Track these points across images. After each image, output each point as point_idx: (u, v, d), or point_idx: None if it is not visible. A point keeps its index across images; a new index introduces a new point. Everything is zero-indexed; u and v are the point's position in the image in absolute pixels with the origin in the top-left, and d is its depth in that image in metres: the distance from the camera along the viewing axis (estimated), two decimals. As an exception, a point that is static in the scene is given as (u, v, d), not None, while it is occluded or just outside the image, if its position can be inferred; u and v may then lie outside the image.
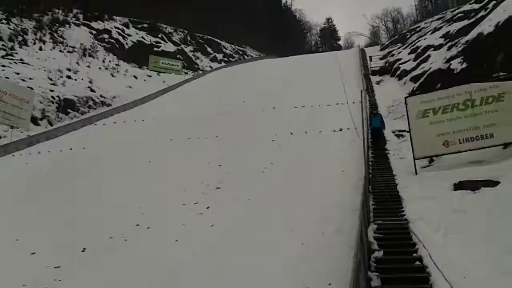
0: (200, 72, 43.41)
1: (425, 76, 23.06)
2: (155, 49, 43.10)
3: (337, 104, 22.01)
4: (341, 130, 18.09)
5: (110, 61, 35.09)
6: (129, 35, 42.21)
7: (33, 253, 9.31)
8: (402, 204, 9.94)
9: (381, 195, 10.74)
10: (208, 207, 11.39)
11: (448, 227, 8.09)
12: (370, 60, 34.44)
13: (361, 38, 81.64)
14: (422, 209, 9.09)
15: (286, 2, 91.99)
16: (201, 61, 48.89)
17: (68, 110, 24.97)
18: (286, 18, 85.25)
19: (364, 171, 11.52)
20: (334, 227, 9.07)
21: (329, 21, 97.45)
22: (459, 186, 9.79)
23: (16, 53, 27.34)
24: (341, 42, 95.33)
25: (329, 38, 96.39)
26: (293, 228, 9.20)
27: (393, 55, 34.17)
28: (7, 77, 23.33)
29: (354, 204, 9.77)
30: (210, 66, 47.38)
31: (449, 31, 27.25)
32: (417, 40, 32.68)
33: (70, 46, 32.96)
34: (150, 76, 36.81)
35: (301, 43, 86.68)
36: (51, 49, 30.98)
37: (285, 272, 7.44)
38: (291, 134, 18.29)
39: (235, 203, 11.51)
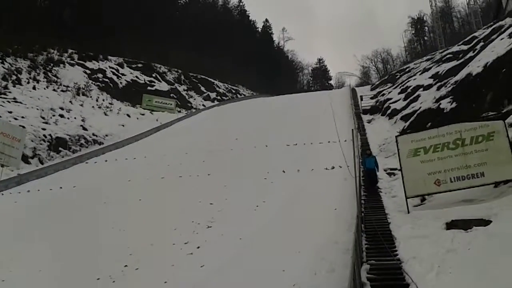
0: (193, 110, 43.72)
1: (415, 115, 23.37)
2: (149, 88, 43.53)
3: (328, 142, 22.14)
4: (333, 168, 18.12)
5: (103, 100, 35.30)
6: (123, 74, 42.68)
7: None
8: (394, 243, 9.83)
9: (373, 234, 10.63)
10: (198, 247, 11.19)
11: (441, 266, 7.98)
12: (361, 99, 34.95)
13: (351, 78, 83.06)
14: (415, 249, 8.99)
15: (278, 43, 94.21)
16: (195, 99, 49.33)
17: (60, 148, 24.85)
18: (279, 58, 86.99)
19: (356, 210, 11.44)
20: (326, 267, 8.91)
21: (321, 61, 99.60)
22: (451, 225, 9.73)
23: (10, 92, 27.44)
24: (332, 82, 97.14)
25: (320, 78, 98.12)
26: (285, 267, 9.04)
27: (383, 94, 34.73)
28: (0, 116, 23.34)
29: (347, 243, 9.66)
30: (203, 105, 47.78)
31: (438, 72, 27.86)
32: (407, 80, 33.33)
33: (64, 85, 33.19)
34: (143, 115, 36.97)
35: (293, 82, 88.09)
36: (44, 88, 31.16)
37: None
38: (284, 172, 18.26)
39: (227, 242, 11.32)
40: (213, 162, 21.16)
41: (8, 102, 26.07)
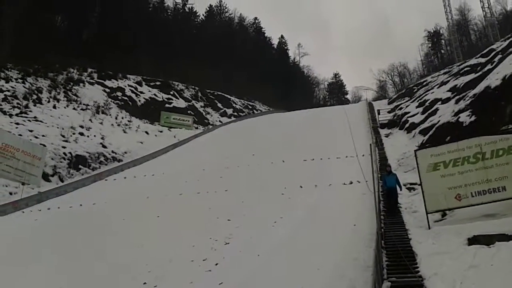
0: (210, 126, 44.05)
1: (434, 129, 23.10)
2: (167, 105, 44.10)
3: (346, 157, 22.01)
4: (351, 183, 17.97)
5: (122, 118, 35.86)
6: (142, 92, 43.37)
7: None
8: (416, 259, 9.66)
9: (394, 251, 10.45)
10: (217, 264, 11.15)
11: (464, 283, 7.82)
12: (378, 113, 34.74)
13: (368, 92, 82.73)
14: (436, 265, 8.82)
15: (294, 58, 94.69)
16: (211, 116, 49.74)
17: (80, 166, 25.23)
18: (295, 73, 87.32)
19: (376, 226, 11.29)
20: (346, 284, 8.79)
21: (337, 76, 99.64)
22: (473, 240, 9.53)
23: (30, 111, 28.09)
24: (348, 96, 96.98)
25: (337, 92, 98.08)
26: (304, 285, 8.94)
27: (401, 108, 34.48)
28: (20, 135, 23.85)
29: (367, 260, 9.53)
30: (220, 121, 48.12)
31: (456, 85, 27.59)
32: (424, 94, 33.08)
33: (83, 104, 33.86)
34: (161, 132, 37.39)
35: (309, 97, 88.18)
36: (64, 107, 31.82)
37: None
38: (301, 187, 18.19)
39: (245, 259, 11.27)
40: (230, 178, 21.20)
41: (29, 121, 26.68)
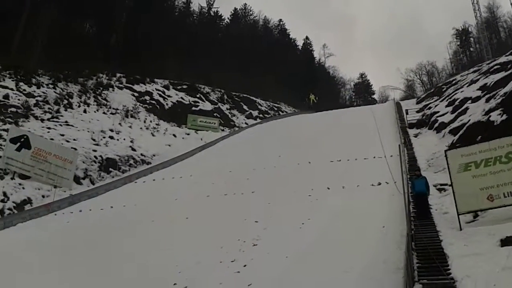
0: (236, 129, 44.24)
1: (464, 128, 22.60)
2: (194, 108, 44.52)
3: (374, 157, 21.77)
4: (379, 184, 17.77)
5: (150, 121, 36.44)
6: (169, 96, 43.94)
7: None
8: (447, 261, 9.49)
9: (425, 253, 10.30)
10: (245, 265, 11.23)
11: (497, 285, 7.64)
12: (407, 113, 34.20)
13: (396, 91, 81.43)
14: (468, 267, 8.65)
15: (319, 59, 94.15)
16: (237, 118, 49.96)
17: (110, 169, 25.79)
18: (320, 74, 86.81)
19: (406, 227, 11.15)
20: (376, 287, 8.72)
21: (363, 76, 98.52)
22: (507, 241, 9.31)
23: (62, 116, 28.86)
24: (375, 96, 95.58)
25: (363, 92, 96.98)
26: (333, 287, 8.91)
27: (430, 108, 33.85)
28: (52, 139, 24.55)
29: (397, 262, 9.44)
30: (245, 123, 48.26)
31: (486, 83, 26.91)
32: (454, 93, 32.37)
33: (113, 108, 34.58)
34: (188, 134, 37.80)
35: (335, 98, 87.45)
36: (95, 111, 32.57)
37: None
38: (328, 188, 18.10)
39: (273, 260, 11.31)
40: (257, 179, 21.27)
41: (60, 125, 27.41)
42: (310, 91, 33.98)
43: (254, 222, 14.91)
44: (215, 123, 42.56)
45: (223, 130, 42.15)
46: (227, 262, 11.56)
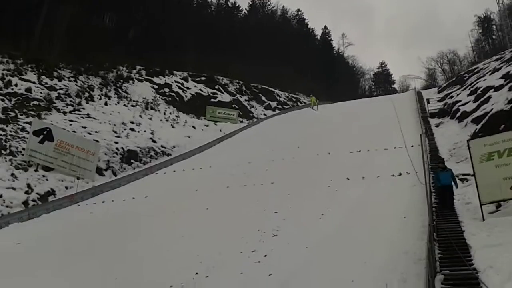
0: (255, 120, 44.27)
1: (487, 117, 22.13)
2: (212, 100, 44.71)
3: (394, 148, 21.57)
4: (400, 175, 17.60)
5: (170, 113, 36.74)
6: (188, 88, 44.18)
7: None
8: (469, 252, 9.39)
9: (447, 243, 10.19)
10: (265, 255, 11.30)
11: (521, 276, 7.53)
12: (428, 102, 33.64)
13: (416, 80, 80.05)
14: (491, 257, 8.53)
15: (338, 49, 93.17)
16: (256, 109, 49.96)
17: (131, 160, 26.17)
18: (339, 64, 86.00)
19: (428, 218, 11.05)
20: (398, 277, 8.69)
21: (383, 65, 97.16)
22: (531, 232, 9.15)
23: (83, 108, 29.33)
24: (396, 86, 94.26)
25: (383, 82, 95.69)
26: (354, 278, 8.92)
27: (451, 97, 33.22)
28: (74, 131, 25.01)
29: (418, 252, 9.39)
30: (264, 114, 48.24)
31: (509, 71, 26.22)
32: (476, 81, 31.67)
33: (133, 101, 34.97)
34: (207, 126, 38.02)
35: (354, 88, 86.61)
36: (116, 104, 32.98)
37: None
38: (348, 179, 18.02)
39: (293, 251, 11.36)
40: (276, 170, 21.31)
41: (82, 118, 27.88)
42: (312, 94, 34.25)
43: (273, 213, 14.97)
44: (233, 115, 42.68)
45: (241, 122, 42.24)
46: (248, 252, 11.65)
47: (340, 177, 18.23)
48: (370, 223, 12.56)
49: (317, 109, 40.08)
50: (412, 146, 20.44)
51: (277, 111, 48.94)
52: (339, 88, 73.57)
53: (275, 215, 14.74)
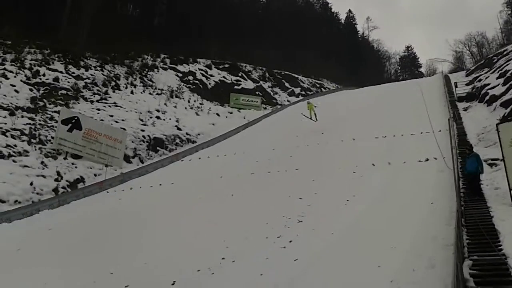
0: (279, 106, 44.18)
1: (517, 100, 21.56)
2: (236, 87, 44.78)
3: (421, 133, 21.23)
4: (427, 160, 17.35)
5: (194, 101, 37.02)
6: (211, 75, 44.34)
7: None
8: (498, 237, 9.25)
9: (475, 229, 10.05)
10: (291, 241, 11.37)
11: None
12: (456, 86, 32.89)
13: (444, 64, 77.99)
14: (521, 243, 8.41)
15: (363, 33, 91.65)
16: (279, 96, 49.81)
17: (158, 148, 26.61)
18: (364, 49, 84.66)
19: (455, 203, 10.90)
20: (425, 263, 8.63)
21: (409, 49, 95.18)
22: None
23: (110, 97, 29.84)
24: (422, 69, 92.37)
25: (409, 66, 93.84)
26: (380, 263, 8.89)
27: (480, 80, 32.36)
28: (102, 119, 25.51)
29: (446, 238, 9.30)
30: (288, 100, 48.07)
31: (541, 53, 25.40)
32: (505, 64, 30.72)
33: (158, 89, 35.35)
34: (231, 113, 38.18)
35: (379, 73, 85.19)
36: (141, 92, 33.42)
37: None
38: (373, 165, 17.88)
39: (318, 236, 11.40)
40: (300, 156, 21.32)
41: (109, 106, 28.39)
42: (309, 101, 29.56)
43: (298, 199, 15.02)
44: (257, 101, 42.69)
45: (265, 108, 42.24)
46: (273, 238, 11.75)
47: (366, 162, 18.10)
48: (397, 209, 12.46)
49: (316, 119, 27.98)
50: (440, 131, 20.09)
51: (300, 97, 48.68)
52: (364, 73, 72.50)
53: (300, 201, 14.78)
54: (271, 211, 14.06)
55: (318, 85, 58.79)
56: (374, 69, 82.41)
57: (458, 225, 9.19)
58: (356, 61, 74.88)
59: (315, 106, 28.22)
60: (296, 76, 55.78)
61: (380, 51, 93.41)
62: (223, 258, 10.82)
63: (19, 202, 17.21)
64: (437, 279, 7.65)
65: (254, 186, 17.67)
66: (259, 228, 12.70)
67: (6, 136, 20.43)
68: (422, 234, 10.15)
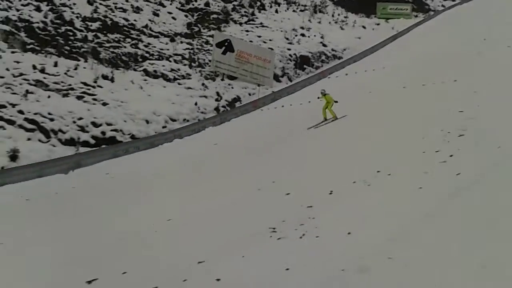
0: (432, 13, 40.21)
1: None
2: (382, -5, 41.71)
3: None
4: None
5: (338, 14, 35.82)
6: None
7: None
8: None
9: None
10: (451, 155, 10.85)
11: None
12: None
13: None
14: None
15: None
16: (432, 1, 45.07)
17: (304, 66, 26.94)
18: None
19: None
20: None
21: None
22: None
23: (257, 18, 30.52)
24: None
25: None
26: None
27: None
28: (251, 41, 26.45)
29: None
30: (442, 5, 43.31)
31: None
32: None
33: (301, 5, 34.87)
34: (378, 24, 36.17)
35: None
36: (285, 10, 33.43)
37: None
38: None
39: (483, 152, 10.64)
40: (460, 67, 19.60)
41: (257, 27, 29.17)
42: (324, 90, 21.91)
43: (458, 112, 14.03)
44: (407, 9, 39.50)
45: (416, 16, 38.96)
46: (431, 152, 11.21)
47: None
48: None
49: (334, 116, 17.50)
50: None
51: (457, 1, 43.41)
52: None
53: (460, 114, 13.78)
54: (429, 126, 13.48)
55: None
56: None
57: None
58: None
59: (335, 102, 17.91)
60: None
61: None
62: (378, 171, 10.89)
63: (187, 121, 19.38)
64: None
65: (408, 99, 16.99)
66: (415, 142, 12.33)
67: (170, 61, 22.65)
68: None
